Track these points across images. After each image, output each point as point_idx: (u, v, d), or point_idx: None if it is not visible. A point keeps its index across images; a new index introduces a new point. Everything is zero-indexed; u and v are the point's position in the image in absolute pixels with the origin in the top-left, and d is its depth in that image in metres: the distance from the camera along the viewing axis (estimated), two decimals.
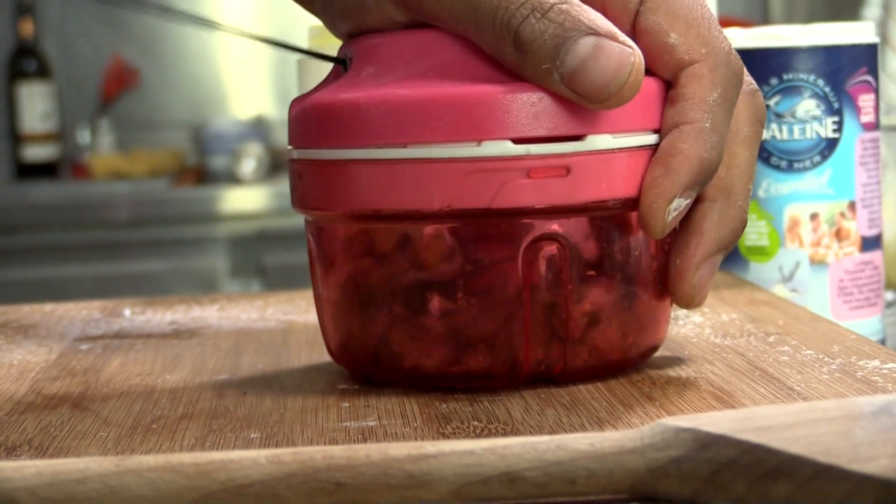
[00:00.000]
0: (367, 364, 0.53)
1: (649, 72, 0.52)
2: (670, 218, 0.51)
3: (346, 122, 0.50)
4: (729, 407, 0.48)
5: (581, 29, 0.48)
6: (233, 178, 2.67)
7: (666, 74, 0.52)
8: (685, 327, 0.62)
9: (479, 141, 0.49)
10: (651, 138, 0.51)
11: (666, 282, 0.53)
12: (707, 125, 0.51)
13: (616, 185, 0.50)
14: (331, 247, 0.53)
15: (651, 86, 0.51)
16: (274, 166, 2.72)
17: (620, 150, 0.50)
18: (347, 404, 0.51)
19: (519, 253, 0.50)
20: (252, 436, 0.47)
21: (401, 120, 0.49)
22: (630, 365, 0.54)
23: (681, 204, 0.51)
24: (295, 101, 0.54)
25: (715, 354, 0.56)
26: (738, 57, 0.52)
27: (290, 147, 0.54)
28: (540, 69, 0.49)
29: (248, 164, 2.65)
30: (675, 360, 0.56)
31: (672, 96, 0.51)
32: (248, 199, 2.54)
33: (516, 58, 0.49)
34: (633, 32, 0.51)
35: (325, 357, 0.59)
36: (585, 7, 0.49)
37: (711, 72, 0.51)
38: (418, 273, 0.51)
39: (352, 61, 0.53)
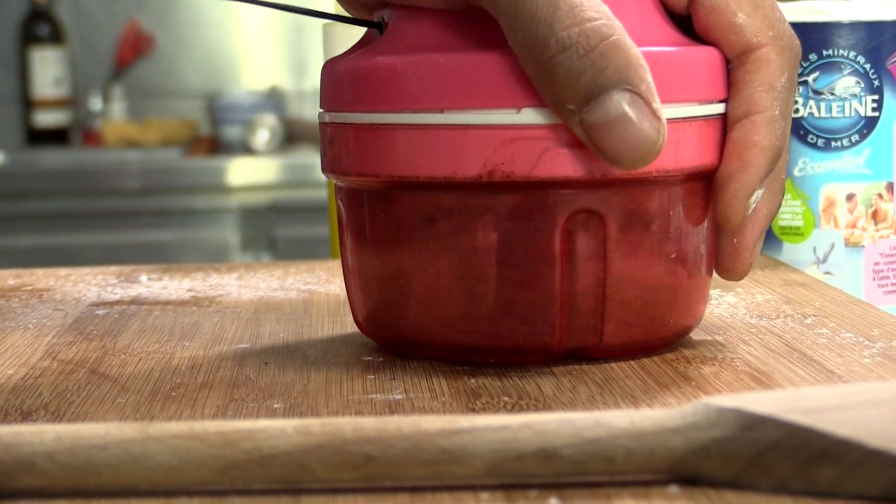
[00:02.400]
0: (397, 336, 0.52)
1: (702, 41, 0.50)
2: (750, 210, 0.51)
3: (382, 86, 0.49)
4: (767, 388, 0.47)
5: (620, 81, 0.45)
6: (246, 149, 2.66)
7: (730, 54, 0.50)
8: (719, 307, 0.60)
9: (519, 108, 0.47)
10: (696, 109, 0.50)
11: (708, 259, 0.52)
12: (777, 112, 0.50)
13: (659, 157, 0.49)
14: (362, 214, 0.52)
15: (702, 56, 0.50)
16: (288, 138, 2.71)
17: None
18: (373, 376, 0.50)
19: (557, 224, 0.48)
20: (275, 406, 0.46)
21: (438, 85, 0.48)
22: (666, 343, 0.52)
23: (759, 194, 0.51)
24: (328, 64, 0.52)
25: (751, 335, 0.55)
26: (797, 37, 0.51)
27: (321, 110, 0.53)
28: (564, 108, 0.46)
29: (262, 135, 2.64)
30: (710, 341, 0.54)
31: (738, 80, 0.50)
32: (261, 170, 2.53)
33: (537, 78, 0.46)
34: (700, 7, 0.50)
35: (349, 328, 0.57)
36: (631, 44, 0.45)
37: (779, 56, 0.50)
38: (452, 243, 0.49)
39: (387, 25, 0.51)
